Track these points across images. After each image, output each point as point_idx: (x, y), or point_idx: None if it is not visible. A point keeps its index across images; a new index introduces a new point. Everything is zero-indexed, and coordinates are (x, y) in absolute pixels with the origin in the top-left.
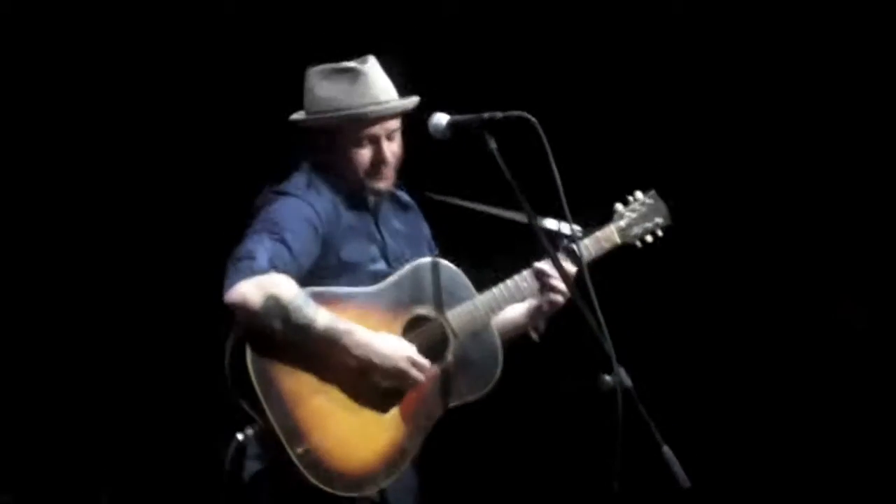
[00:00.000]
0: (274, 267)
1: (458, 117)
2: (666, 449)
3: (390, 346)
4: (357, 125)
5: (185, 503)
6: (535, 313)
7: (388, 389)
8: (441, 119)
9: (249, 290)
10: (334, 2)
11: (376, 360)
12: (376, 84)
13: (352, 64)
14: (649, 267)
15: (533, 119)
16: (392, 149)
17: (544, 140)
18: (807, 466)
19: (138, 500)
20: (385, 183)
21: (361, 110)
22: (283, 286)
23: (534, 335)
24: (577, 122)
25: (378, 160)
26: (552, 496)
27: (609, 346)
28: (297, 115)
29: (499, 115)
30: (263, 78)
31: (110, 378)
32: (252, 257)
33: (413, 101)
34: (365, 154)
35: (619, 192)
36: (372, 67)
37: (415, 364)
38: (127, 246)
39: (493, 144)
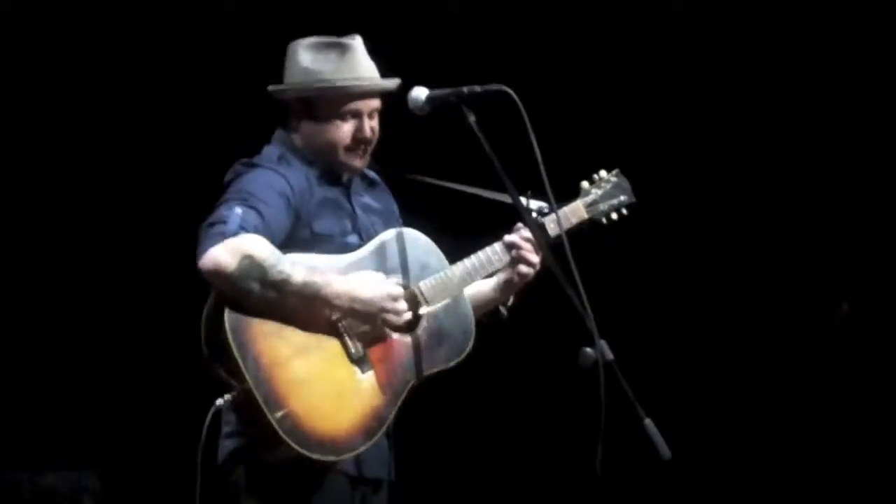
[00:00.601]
0: (244, 230)
1: (437, 91)
2: (648, 421)
3: (370, 287)
4: (342, 99)
5: (167, 482)
6: (505, 287)
7: (365, 356)
8: (420, 93)
9: (221, 253)
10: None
11: (358, 306)
12: (363, 62)
13: (341, 39)
14: (632, 243)
15: (511, 92)
16: (372, 126)
17: (524, 113)
18: (786, 439)
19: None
20: (361, 162)
21: (350, 83)
22: (257, 247)
23: (503, 311)
24: (554, 101)
25: (359, 137)
26: (534, 468)
27: (591, 320)
28: (277, 87)
29: (477, 88)
30: (262, 77)
31: (105, 368)
32: (224, 221)
33: (396, 82)
34: (346, 129)
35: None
36: (359, 45)
37: (396, 300)
38: (117, 237)
39: (472, 118)
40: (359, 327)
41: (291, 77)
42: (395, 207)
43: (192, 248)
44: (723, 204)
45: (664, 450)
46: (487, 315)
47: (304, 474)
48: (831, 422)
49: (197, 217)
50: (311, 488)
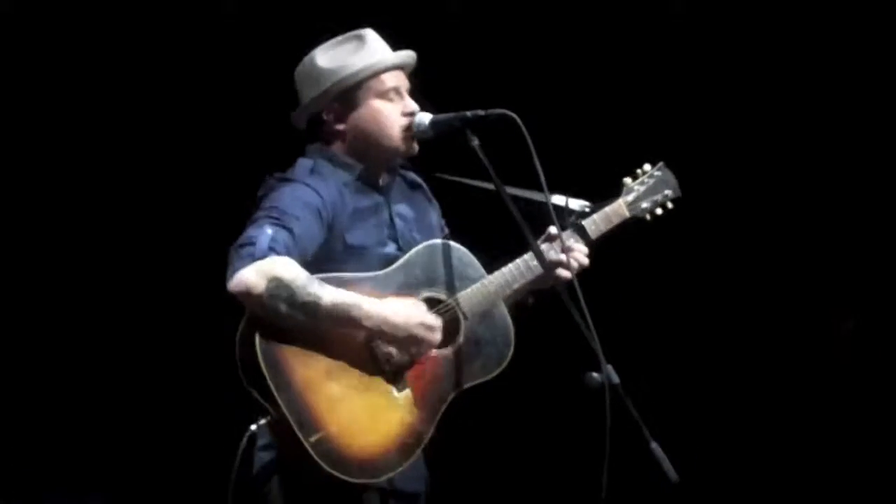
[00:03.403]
0: (274, 251)
1: (441, 116)
2: (654, 445)
3: (402, 311)
4: (380, 79)
5: (196, 499)
6: (538, 282)
7: (399, 372)
8: (424, 118)
9: (251, 275)
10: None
11: (388, 328)
12: (382, 43)
13: (354, 32)
14: (638, 263)
15: (515, 116)
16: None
17: (527, 137)
18: (793, 463)
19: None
20: (414, 145)
21: (382, 60)
22: (285, 268)
23: (531, 300)
24: (585, 102)
25: (408, 111)
26: (541, 492)
27: (596, 343)
28: (304, 104)
29: (480, 112)
30: (262, 77)
31: (120, 375)
32: (252, 243)
33: (413, 53)
34: (394, 108)
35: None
36: (372, 32)
37: (428, 327)
38: (132, 240)
39: (475, 142)
40: (391, 345)
41: (317, 86)
42: (434, 213)
43: (201, 259)
44: (727, 217)
45: (671, 473)
46: (514, 307)
47: (340, 490)
48: (840, 442)
49: (217, 223)
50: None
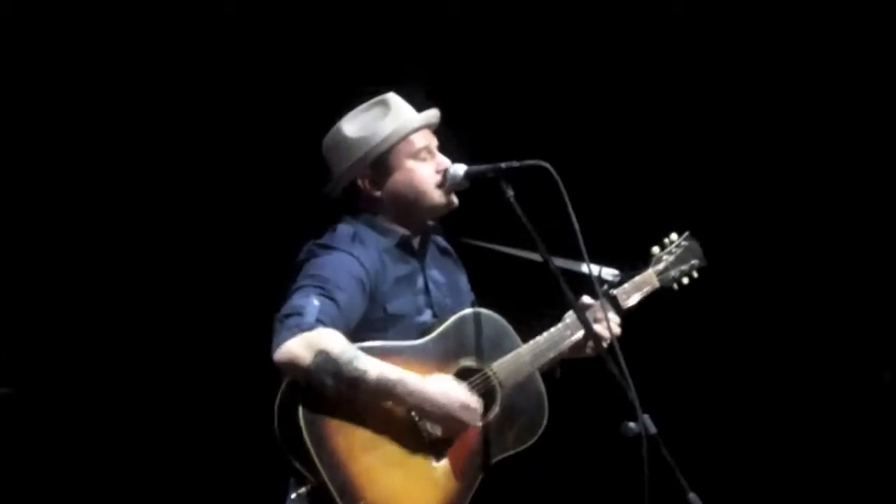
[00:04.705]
0: (321, 322)
1: (475, 167)
2: (692, 496)
3: (443, 391)
4: (411, 139)
5: None
6: (570, 351)
7: (438, 442)
8: (458, 170)
9: (298, 347)
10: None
11: (429, 407)
12: (405, 105)
13: (377, 98)
14: (673, 312)
15: (549, 167)
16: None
17: (561, 187)
18: None
19: None
20: (453, 198)
21: (410, 122)
22: (332, 341)
23: (558, 371)
24: (608, 165)
25: (441, 169)
26: None
27: (633, 392)
28: (337, 177)
29: (515, 163)
30: (262, 77)
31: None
32: (300, 314)
33: (437, 111)
34: (427, 166)
35: (654, 233)
36: (394, 95)
37: (467, 408)
38: (124, 250)
39: (510, 193)
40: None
41: (348, 156)
42: (463, 278)
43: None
44: (764, 266)
45: None
46: (543, 373)
47: None
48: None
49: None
50: None
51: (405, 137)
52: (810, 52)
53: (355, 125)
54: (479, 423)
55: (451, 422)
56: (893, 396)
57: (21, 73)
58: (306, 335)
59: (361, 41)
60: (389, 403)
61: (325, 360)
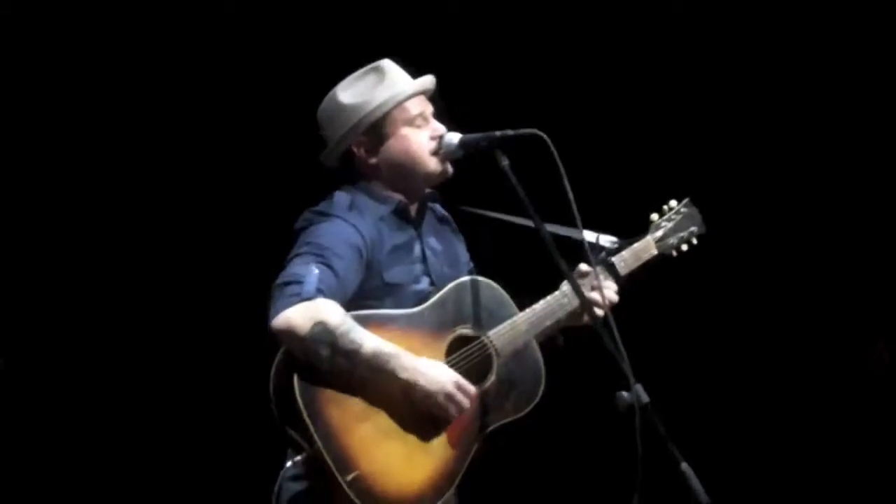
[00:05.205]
0: (321, 292)
1: (469, 136)
2: (684, 465)
3: (435, 371)
4: (406, 106)
5: None
6: (569, 318)
7: (433, 415)
8: (452, 138)
9: (296, 316)
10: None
11: (423, 382)
12: (400, 72)
13: (372, 65)
14: (668, 281)
15: (544, 136)
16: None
17: (556, 156)
18: (823, 487)
19: None
20: (448, 166)
21: (405, 89)
22: (330, 312)
23: (560, 338)
24: (603, 133)
25: (436, 136)
26: None
27: (626, 363)
28: (332, 144)
29: (510, 132)
30: (263, 77)
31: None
32: (299, 282)
33: (432, 77)
34: (422, 133)
35: (650, 199)
36: (389, 62)
37: (460, 388)
38: (121, 247)
39: (504, 162)
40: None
41: (344, 123)
42: (461, 247)
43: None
44: (760, 242)
45: (702, 494)
46: (544, 341)
47: None
48: (872, 468)
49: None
50: None
51: (400, 104)
52: (801, 27)
53: (350, 92)
54: (467, 406)
55: (444, 401)
56: (888, 371)
57: (21, 73)
58: (306, 304)
59: (356, 13)
60: (384, 376)
61: (323, 331)
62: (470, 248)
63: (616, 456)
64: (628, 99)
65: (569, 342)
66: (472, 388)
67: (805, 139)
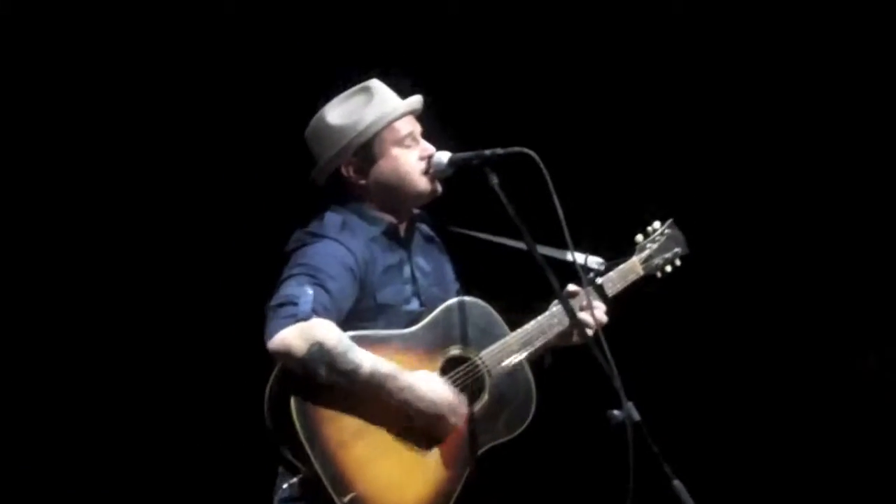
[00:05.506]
0: (316, 312)
1: (459, 155)
2: (676, 482)
3: (433, 390)
4: (395, 128)
5: None
6: (557, 339)
7: (429, 433)
8: (442, 157)
9: (293, 337)
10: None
11: (419, 404)
12: (388, 92)
13: (358, 86)
14: (659, 298)
15: (533, 154)
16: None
17: (546, 175)
18: (816, 494)
19: None
20: (438, 185)
21: (394, 109)
22: (327, 332)
23: (548, 358)
24: (592, 153)
25: (425, 155)
26: None
27: (617, 380)
28: (324, 162)
29: (499, 151)
30: (261, 79)
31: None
32: (294, 303)
33: (420, 98)
34: (412, 153)
35: (638, 221)
36: (378, 82)
37: (455, 410)
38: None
39: (494, 180)
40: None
41: (333, 144)
42: (449, 266)
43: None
44: (747, 254)
45: None
46: (532, 361)
47: None
48: (862, 477)
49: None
50: None
51: (389, 124)
52: (782, 35)
53: (338, 112)
54: (459, 425)
55: (438, 421)
56: (878, 381)
57: (21, 72)
58: (302, 325)
59: (346, 28)
60: (381, 396)
61: (320, 351)
62: (458, 268)
63: (608, 474)
64: (613, 118)
65: (559, 362)
66: (464, 411)
67: (790, 154)
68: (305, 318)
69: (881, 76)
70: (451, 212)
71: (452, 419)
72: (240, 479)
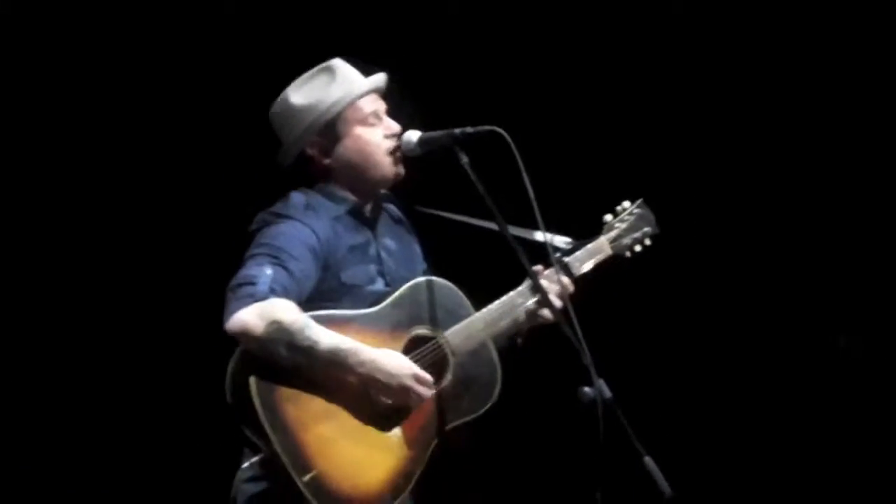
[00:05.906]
0: (274, 292)
1: (429, 134)
2: (647, 459)
3: (394, 363)
4: (358, 105)
5: None
6: (526, 320)
7: (391, 412)
8: (412, 136)
9: (251, 317)
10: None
11: (381, 377)
12: (352, 71)
13: (322, 65)
14: (630, 277)
15: (504, 133)
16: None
17: (516, 154)
18: (788, 475)
19: None
20: (401, 167)
21: (357, 87)
22: (285, 311)
23: (519, 340)
24: (562, 132)
25: (391, 133)
26: None
27: (588, 358)
28: (288, 144)
29: (469, 129)
30: (256, 79)
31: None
32: (252, 283)
33: (384, 75)
34: (377, 131)
35: (607, 200)
36: (340, 62)
37: (419, 380)
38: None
39: (464, 159)
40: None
41: (296, 125)
42: (416, 247)
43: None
44: (723, 233)
45: (665, 487)
46: (503, 344)
47: None
48: (835, 459)
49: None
50: None
51: (352, 103)
52: (764, 20)
53: (301, 93)
54: (430, 395)
55: (403, 393)
56: (848, 363)
57: (21, 72)
58: (259, 305)
59: (313, 12)
60: (342, 373)
61: (278, 330)
62: (425, 248)
63: (579, 451)
64: (583, 97)
65: (529, 340)
66: (430, 379)
67: (763, 134)
68: (263, 298)
69: (848, 56)
70: (420, 192)
71: (418, 389)
72: (205, 462)
